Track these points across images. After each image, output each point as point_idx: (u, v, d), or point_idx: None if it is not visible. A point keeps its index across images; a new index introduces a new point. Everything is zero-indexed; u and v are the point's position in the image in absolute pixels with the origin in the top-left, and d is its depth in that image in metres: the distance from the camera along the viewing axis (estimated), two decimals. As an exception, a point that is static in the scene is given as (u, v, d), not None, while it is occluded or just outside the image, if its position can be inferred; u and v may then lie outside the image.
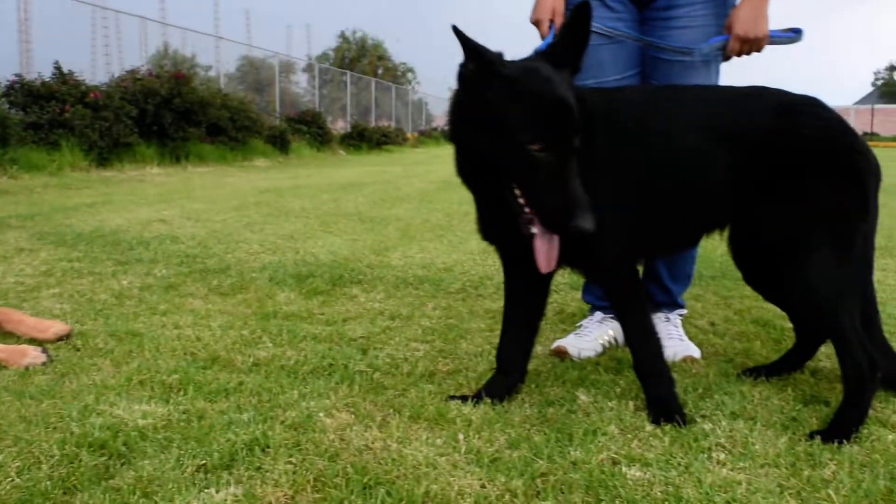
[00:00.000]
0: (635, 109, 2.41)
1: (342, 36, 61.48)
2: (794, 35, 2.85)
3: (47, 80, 14.20)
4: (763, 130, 2.32)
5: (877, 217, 2.41)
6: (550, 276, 2.60)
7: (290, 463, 1.99)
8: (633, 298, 2.42)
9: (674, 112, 2.40)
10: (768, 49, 2.85)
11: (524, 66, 2.14)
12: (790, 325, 3.07)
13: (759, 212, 2.35)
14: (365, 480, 1.89)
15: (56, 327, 3.09)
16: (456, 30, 2.08)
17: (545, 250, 2.18)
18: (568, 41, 2.16)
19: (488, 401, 2.42)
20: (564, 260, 2.42)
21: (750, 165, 2.33)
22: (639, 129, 2.37)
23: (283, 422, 2.25)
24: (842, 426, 2.20)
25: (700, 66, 3.05)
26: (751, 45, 2.83)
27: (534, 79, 2.09)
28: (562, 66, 2.16)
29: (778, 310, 3.12)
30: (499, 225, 2.40)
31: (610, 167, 2.31)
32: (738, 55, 2.89)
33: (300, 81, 37.58)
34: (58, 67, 14.48)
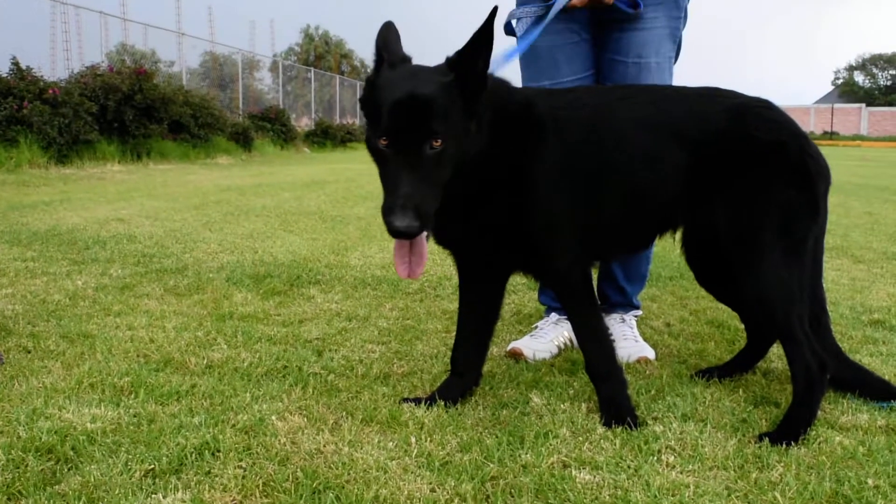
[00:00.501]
0: (587, 111, 2.40)
1: (305, 33, 61.08)
2: (633, 11, 2.99)
3: (4, 75, 13.99)
4: (716, 132, 2.34)
5: (826, 219, 2.44)
6: (505, 279, 2.62)
7: (240, 467, 1.98)
8: (583, 301, 2.42)
9: (627, 113, 2.41)
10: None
11: (400, 69, 2.11)
12: (743, 325, 3.10)
13: (712, 213, 2.36)
14: (314, 485, 1.89)
15: None
16: (378, 35, 2.12)
17: (399, 254, 2.14)
18: (470, 47, 2.08)
19: (442, 403, 2.42)
20: (516, 264, 2.45)
21: (702, 167, 2.35)
22: (590, 131, 2.36)
23: (234, 425, 2.23)
24: (790, 428, 2.22)
25: (654, 68, 3.07)
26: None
27: (391, 79, 2.05)
28: (451, 70, 2.07)
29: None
30: (450, 228, 2.40)
31: (560, 170, 2.31)
32: (582, 6, 2.95)
33: (264, 78, 37.39)
34: (15, 63, 14.29)
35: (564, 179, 2.31)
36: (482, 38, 2.04)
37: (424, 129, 1.97)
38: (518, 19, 3.00)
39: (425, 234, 2.08)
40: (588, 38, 3.16)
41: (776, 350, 2.89)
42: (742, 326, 3.24)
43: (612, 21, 3.08)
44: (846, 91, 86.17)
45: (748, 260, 2.31)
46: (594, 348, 2.42)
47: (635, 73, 3.07)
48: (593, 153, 2.36)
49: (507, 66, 2.67)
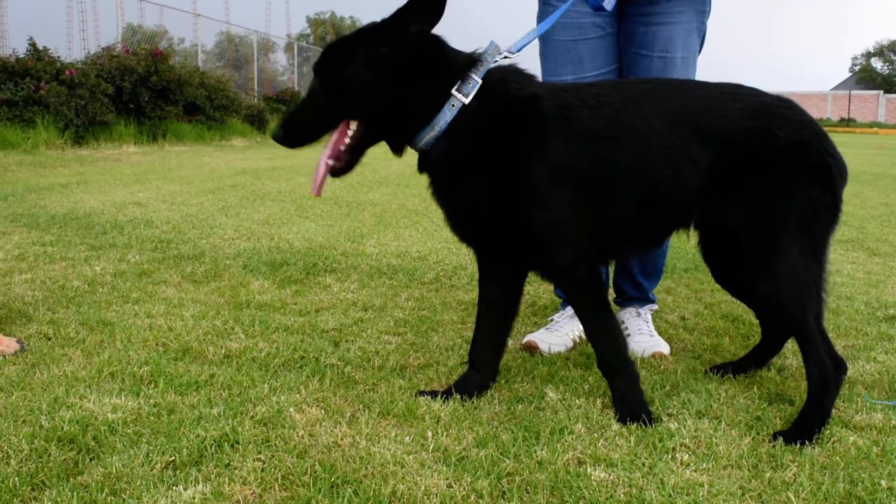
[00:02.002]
0: (609, 107, 2.38)
1: (310, 21, 60.96)
2: None
3: (22, 56, 14.04)
4: (738, 130, 2.33)
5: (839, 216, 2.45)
6: (523, 275, 2.63)
7: (259, 460, 2.00)
8: (592, 298, 2.42)
9: (650, 108, 2.39)
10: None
11: None
12: (758, 322, 3.10)
13: (730, 211, 2.36)
14: (332, 479, 1.91)
15: (2, 346, 2.83)
16: None
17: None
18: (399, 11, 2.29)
19: (457, 397, 2.44)
20: (524, 261, 2.46)
21: (723, 165, 2.34)
22: (610, 127, 2.35)
23: (252, 417, 2.26)
24: (805, 427, 2.23)
25: (680, 63, 3.07)
26: None
27: None
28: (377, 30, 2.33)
29: (747, 305, 3.16)
30: (462, 222, 2.44)
31: (565, 168, 2.30)
32: None
33: (279, 59, 37.34)
34: (32, 44, 14.33)
35: (571, 177, 2.30)
36: (409, 8, 2.25)
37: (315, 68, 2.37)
38: None
39: (323, 158, 2.39)
40: (613, 32, 3.15)
41: (791, 346, 2.90)
42: (757, 321, 3.25)
43: (639, 14, 3.07)
44: (864, 77, 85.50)
45: (766, 258, 2.32)
46: (604, 345, 2.43)
47: (661, 68, 3.06)
48: (611, 149, 2.34)
49: (522, 49, 2.64)
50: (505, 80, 2.37)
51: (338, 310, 3.52)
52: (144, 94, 16.16)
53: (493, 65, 2.38)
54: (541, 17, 3.23)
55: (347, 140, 2.36)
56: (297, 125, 2.41)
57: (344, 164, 2.40)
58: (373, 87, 2.30)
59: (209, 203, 7.11)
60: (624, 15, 3.12)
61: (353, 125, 2.34)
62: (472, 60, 2.38)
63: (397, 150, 2.46)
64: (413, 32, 2.28)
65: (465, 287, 4.05)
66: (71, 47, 19.63)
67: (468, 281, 4.17)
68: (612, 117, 2.36)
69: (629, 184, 2.37)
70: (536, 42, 2.92)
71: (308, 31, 60.25)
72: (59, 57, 14.82)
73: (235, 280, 4.03)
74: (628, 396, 2.37)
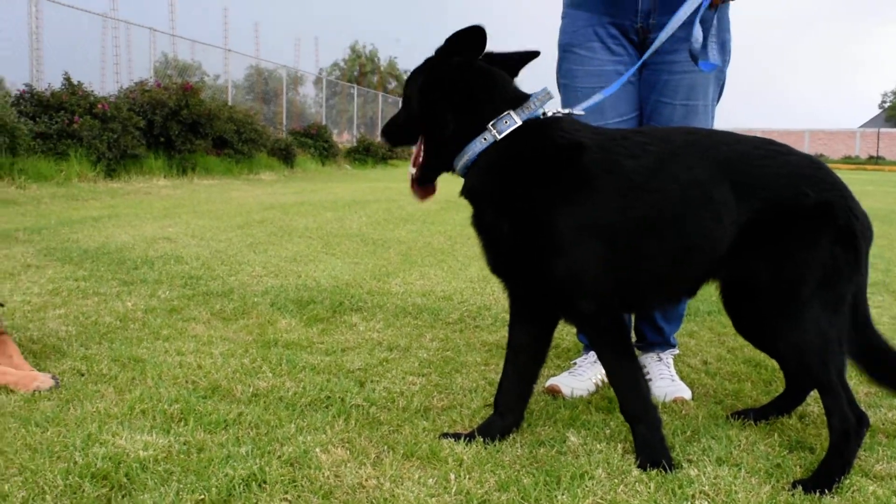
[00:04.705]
0: (651, 157, 2.40)
1: (353, 48, 61.53)
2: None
3: (57, 90, 14.33)
4: (772, 188, 2.37)
5: (868, 271, 2.48)
6: (555, 321, 2.67)
7: (286, 500, 2.06)
8: (614, 346, 2.44)
9: (691, 161, 2.41)
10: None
11: None
12: (782, 371, 3.12)
13: (754, 264, 2.40)
14: (357, 520, 1.95)
15: (38, 382, 2.89)
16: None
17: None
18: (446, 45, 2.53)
19: (480, 440, 2.48)
20: (548, 302, 2.50)
21: (755, 220, 2.37)
22: (652, 178, 2.37)
23: (279, 457, 2.31)
24: (825, 476, 2.25)
25: (701, 111, 3.11)
26: None
27: None
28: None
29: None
30: (494, 254, 2.52)
31: (596, 220, 2.34)
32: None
33: (307, 93, 37.75)
34: (67, 78, 14.62)
35: (600, 230, 2.34)
36: (451, 40, 2.49)
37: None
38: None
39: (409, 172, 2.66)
40: (635, 81, 3.21)
41: (813, 392, 2.91)
42: (780, 368, 3.27)
43: (662, 63, 3.12)
44: (893, 115, 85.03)
45: (788, 312, 2.35)
46: (627, 391, 2.46)
47: (682, 116, 3.10)
48: (651, 201, 2.36)
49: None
50: (549, 127, 2.45)
51: (363, 349, 3.58)
52: (175, 127, 16.42)
53: (540, 109, 2.48)
54: (562, 63, 3.28)
55: (422, 152, 2.60)
56: (390, 128, 2.72)
57: (420, 174, 2.62)
58: (420, 109, 2.54)
59: (238, 239, 7.21)
60: (646, 63, 3.16)
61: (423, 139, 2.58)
62: (518, 100, 2.49)
63: (447, 169, 2.62)
64: (455, 63, 2.48)
65: (489, 328, 4.09)
66: (104, 80, 19.92)
67: (492, 321, 4.22)
68: (654, 168, 2.38)
69: (667, 235, 2.39)
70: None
71: (342, 62, 60.73)
72: (92, 91, 15.10)
73: (263, 318, 4.10)
74: (650, 442, 2.40)
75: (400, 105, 2.73)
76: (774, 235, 2.37)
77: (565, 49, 3.27)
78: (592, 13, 3.17)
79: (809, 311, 2.33)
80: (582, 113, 2.65)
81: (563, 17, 3.30)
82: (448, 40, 2.48)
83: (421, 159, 2.59)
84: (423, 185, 2.63)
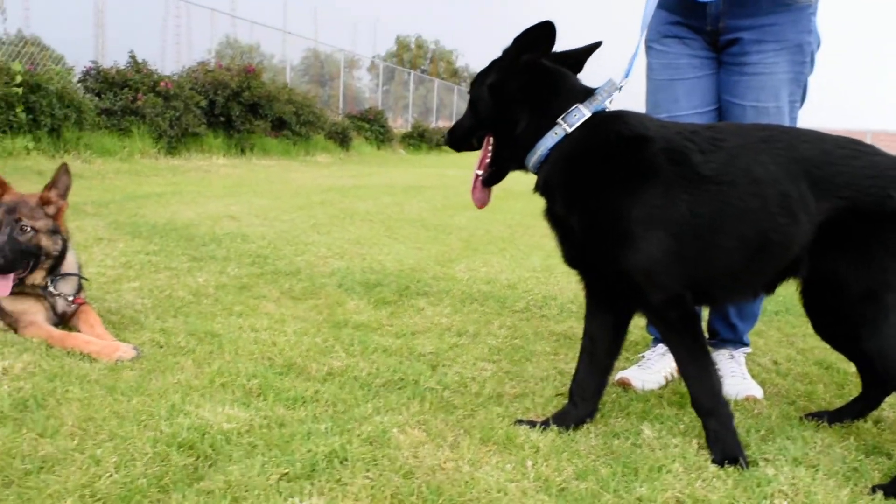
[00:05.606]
0: (724, 152, 2.40)
1: (399, 41, 61.57)
2: None
3: (122, 68, 14.56)
4: (855, 188, 2.34)
5: None
6: (631, 314, 2.67)
7: (368, 478, 2.09)
8: (685, 340, 2.44)
9: (768, 157, 2.40)
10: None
11: None
12: (853, 369, 3.09)
13: (839, 266, 2.37)
14: (439, 501, 1.98)
15: (120, 352, 2.98)
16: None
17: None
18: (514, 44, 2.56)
19: (555, 428, 2.49)
20: (621, 294, 2.52)
21: (836, 219, 2.35)
22: (725, 173, 2.36)
23: (359, 435, 2.34)
24: (906, 481, 2.23)
25: (774, 113, 3.08)
26: None
27: None
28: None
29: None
30: (568, 247, 2.54)
31: (667, 210, 2.34)
32: None
33: (363, 78, 37.90)
34: (132, 56, 14.84)
35: (668, 221, 2.34)
36: (520, 39, 2.50)
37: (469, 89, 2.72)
38: None
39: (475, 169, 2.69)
40: (711, 75, 3.20)
41: (889, 398, 2.88)
42: (852, 370, 3.24)
43: (733, 64, 3.12)
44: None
45: (873, 317, 2.32)
46: (698, 385, 2.45)
47: (753, 117, 3.08)
48: (721, 194, 2.36)
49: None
50: (615, 119, 2.46)
51: (433, 334, 3.61)
52: (236, 108, 16.61)
53: (607, 101, 2.48)
54: (647, 58, 3.31)
55: (489, 154, 2.64)
56: (454, 132, 2.75)
57: (488, 175, 2.66)
58: (491, 108, 2.57)
59: (300, 220, 7.29)
60: (721, 63, 3.18)
61: (492, 140, 2.62)
62: (585, 93, 2.52)
63: (519, 167, 2.64)
64: (523, 61, 2.51)
65: (556, 318, 4.10)
66: (164, 60, 20.19)
67: (558, 311, 4.23)
68: (726, 162, 2.38)
69: (738, 230, 2.38)
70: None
71: (394, 50, 60.83)
72: (156, 70, 15.31)
73: (332, 298, 4.15)
74: (722, 437, 2.39)
75: (456, 94, 2.76)
76: (857, 237, 2.34)
77: (647, 46, 3.31)
78: (669, 13, 3.19)
79: (893, 316, 2.30)
80: (624, 83, 2.64)
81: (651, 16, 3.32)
82: (517, 39, 2.51)
83: (488, 160, 2.64)
84: (489, 185, 2.68)
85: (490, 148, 2.63)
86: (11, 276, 3.13)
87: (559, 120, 2.47)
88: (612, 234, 2.37)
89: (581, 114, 2.46)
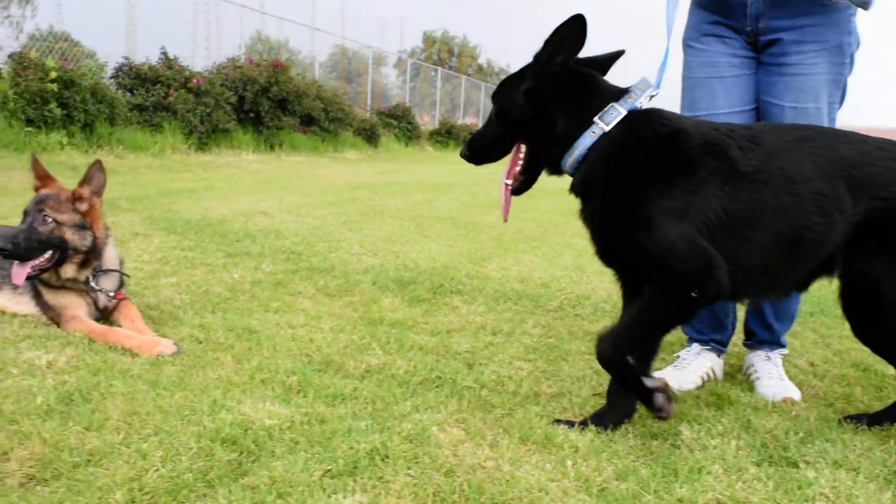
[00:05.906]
0: (761, 150, 2.41)
1: (426, 36, 61.45)
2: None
3: (154, 64, 14.68)
4: (894, 190, 2.34)
5: None
6: None
7: (410, 475, 2.11)
8: (674, 310, 2.44)
9: (804, 156, 2.40)
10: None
11: None
12: (891, 371, 3.08)
13: (875, 268, 2.37)
14: (481, 499, 2.00)
15: (161, 347, 3.01)
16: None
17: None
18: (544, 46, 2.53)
19: (594, 428, 2.50)
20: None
21: (872, 220, 2.35)
22: (761, 170, 2.38)
23: (399, 433, 2.36)
24: (948, 486, 2.22)
25: (813, 113, 3.07)
26: None
27: None
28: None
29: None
30: (603, 245, 2.54)
31: (700, 204, 2.34)
32: None
33: (390, 74, 37.98)
34: (164, 53, 14.96)
35: (699, 214, 2.34)
36: (553, 40, 2.47)
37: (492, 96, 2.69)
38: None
39: (503, 179, 2.66)
40: (750, 74, 3.19)
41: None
42: (890, 372, 3.23)
43: (772, 64, 3.11)
44: None
45: None
46: (628, 339, 2.48)
47: (792, 117, 3.07)
48: (757, 191, 2.37)
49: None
50: (651, 116, 2.47)
51: (468, 332, 3.62)
52: (265, 104, 16.69)
53: (641, 98, 2.49)
54: (684, 58, 3.31)
55: (520, 162, 2.61)
56: (477, 145, 2.70)
57: (519, 183, 2.66)
58: (526, 113, 2.55)
59: (331, 216, 7.33)
60: (761, 63, 3.17)
61: (523, 148, 2.59)
62: (619, 92, 2.52)
63: (555, 172, 2.64)
64: (558, 63, 2.50)
65: (590, 317, 4.11)
66: (194, 56, 20.33)
67: (592, 311, 4.23)
68: (763, 159, 2.39)
69: (770, 226, 2.39)
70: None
71: (421, 46, 60.80)
72: (187, 66, 15.42)
73: (366, 296, 4.18)
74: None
75: (483, 92, 2.74)
76: (894, 239, 2.34)
77: (685, 44, 3.31)
78: (708, 13, 3.19)
79: None
80: (656, 93, 2.64)
81: (688, 15, 3.32)
82: (548, 40, 2.49)
83: (518, 168, 2.62)
84: (519, 194, 2.68)
85: (521, 155, 2.62)
86: (28, 264, 3.17)
87: (596, 119, 2.47)
88: (643, 226, 2.36)
89: (617, 112, 2.47)
